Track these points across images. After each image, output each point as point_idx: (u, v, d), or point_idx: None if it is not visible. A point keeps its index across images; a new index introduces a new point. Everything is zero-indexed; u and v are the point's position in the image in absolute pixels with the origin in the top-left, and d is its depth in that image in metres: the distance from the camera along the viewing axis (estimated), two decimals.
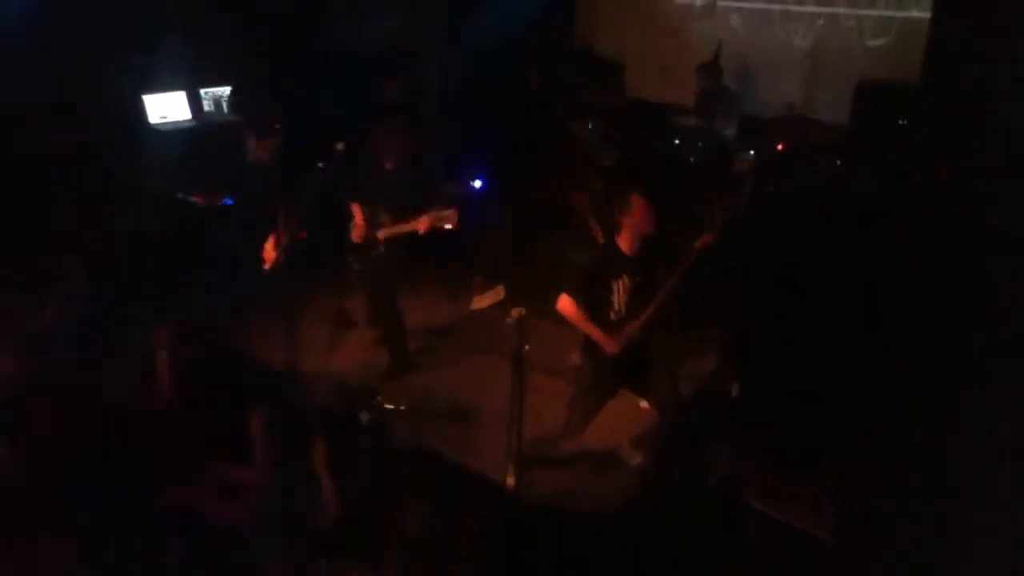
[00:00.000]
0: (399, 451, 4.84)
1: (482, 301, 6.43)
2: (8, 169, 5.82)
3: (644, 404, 4.87)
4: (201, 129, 7.05)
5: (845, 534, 3.53)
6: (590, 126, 8.20)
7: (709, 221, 4.42)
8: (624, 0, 8.83)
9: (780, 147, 7.01)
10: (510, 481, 4.28)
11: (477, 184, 6.58)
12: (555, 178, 8.10)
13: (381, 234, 5.39)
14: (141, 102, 6.81)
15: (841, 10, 7.58)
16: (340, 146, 5.70)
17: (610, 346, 4.29)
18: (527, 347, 4.00)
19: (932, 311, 2.74)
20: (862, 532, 3.22)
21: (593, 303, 4.31)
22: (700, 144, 7.38)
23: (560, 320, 5.97)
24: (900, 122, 6.38)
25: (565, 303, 4.31)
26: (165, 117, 6.96)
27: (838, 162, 6.82)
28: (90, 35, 6.27)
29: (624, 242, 4.28)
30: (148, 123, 6.85)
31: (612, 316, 4.34)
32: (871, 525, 3.18)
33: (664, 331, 4.61)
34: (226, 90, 7.17)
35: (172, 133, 6.91)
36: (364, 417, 5.05)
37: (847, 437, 3.89)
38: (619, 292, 4.31)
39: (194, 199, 5.68)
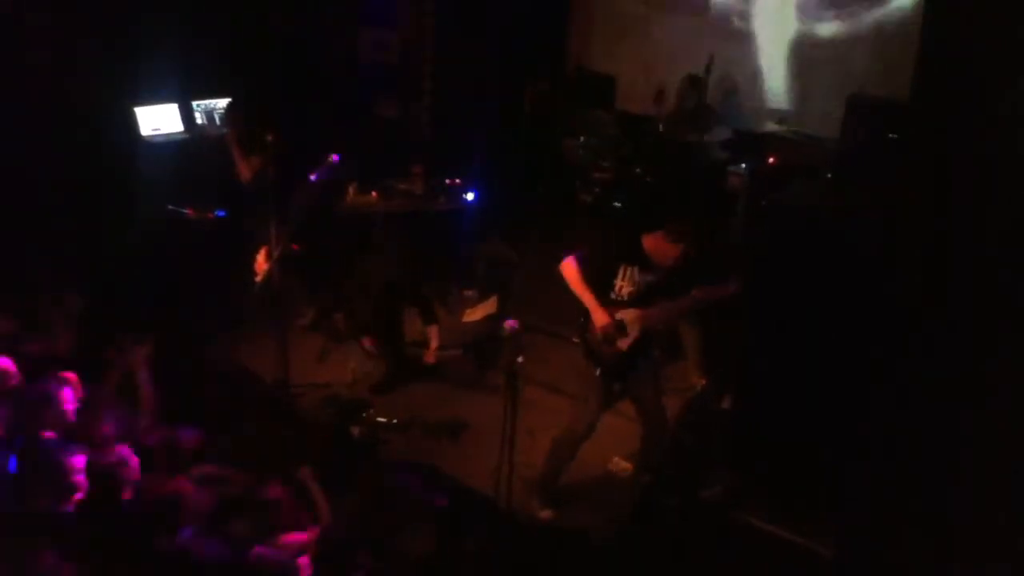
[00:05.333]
0: (391, 464, 4.82)
1: (474, 313, 6.42)
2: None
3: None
4: (193, 142, 7.03)
5: (845, 549, 3.51)
6: (581, 140, 8.24)
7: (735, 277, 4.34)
8: (617, 19, 8.88)
9: (771, 161, 7.04)
10: (504, 495, 4.26)
11: (469, 197, 6.59)
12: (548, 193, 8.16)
13: None
14: (133, 114, 6.79)
15: (831, 25, 7.64)
16: (333, 158, 5.72)
17: (598, 317, 4.27)
18: (520, 359, 3.98)
19: (927, 324, 2.75)
20: (862, 546, 3.21)
21: (595, 277, 4.31)
22: (693, 159, 7.42)
23: (553, 332, 6.03)
24: (890, 136, 6.41)
25: (568, 265, 4.32)
26: (157, 129, 6.94)
27: (828, 176, 6.85)
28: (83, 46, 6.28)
29: (651, 241, 4.27)
30: (140, 135, 6.83)
31: (611, 295, 4.32)
32: (871, 539, 3.17)
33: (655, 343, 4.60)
34: (219, 102, 7.17)
35: (164, 146, 6.89)
36: (356, 430, 5.03)
37: (844, 450, 3.90)
38: (623, 278, 4.29)
39: (186, 212, 5.66)
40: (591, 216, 7.77)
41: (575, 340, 4.54)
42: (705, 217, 6.19)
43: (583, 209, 7.91)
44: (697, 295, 4.29)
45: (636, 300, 4.30)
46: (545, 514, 4.61)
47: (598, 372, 4.38)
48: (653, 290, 4.31)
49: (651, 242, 4.25)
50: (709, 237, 4.58)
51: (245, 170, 5.85)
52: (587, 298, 4.29)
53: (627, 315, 4.29)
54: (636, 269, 4.27)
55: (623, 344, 4.32)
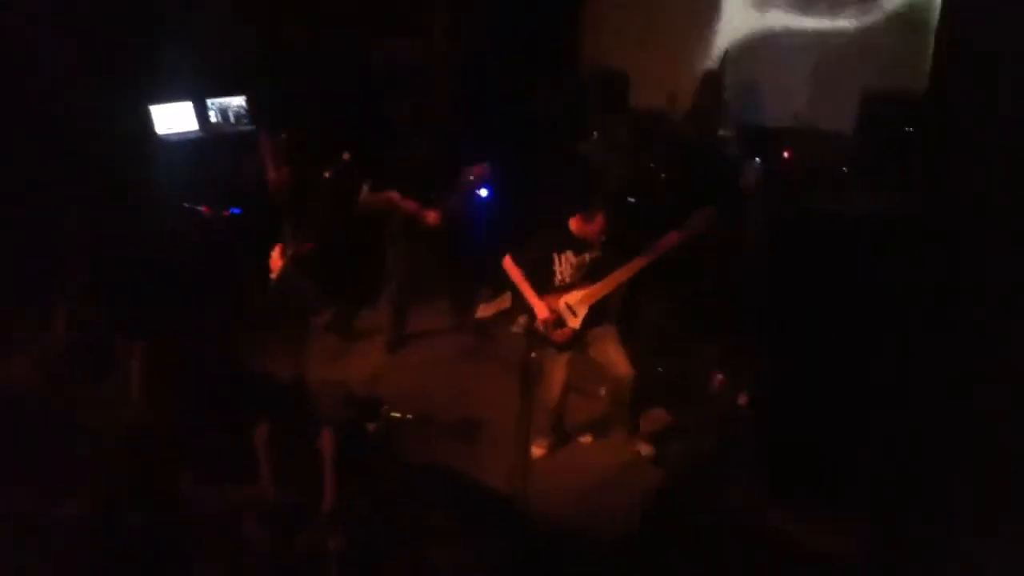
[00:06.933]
0: (406, 461, 4.83)
1: (487, 310, 6.43)
2: (15, 181, 5.83)
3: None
4: (208, 140, 7.05)
5: (875, 552, 3.47)
6: (595, 138, 8.22)
7: (686, 223, 4.56)
8: (631, 15, 8.85)
9: (786, 156, 7.01)
10: (520, 487, 4.26)
11: (483, 193, 6.57)
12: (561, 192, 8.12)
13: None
14: (148, 113, 6.83)
15: (847, 20, 7.59)
16: (346, 156, 5.74)
17: (538, 309, 4.65)
18: (534, 355, 3.99)
19: (952, 320, 2.71)
20: (885, 547, 3.17)
21: (537, 269, 4.71)
22: (706, 155, 7.39)
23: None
24: (906, 131, 6.36)
25: (507, 262, 4.77)
26: (171, 128, 6.97)
27: (844, 171, 6.81)
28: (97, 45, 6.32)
29: (574, 225, 4.64)
30: (155, 134, 6.86)
31: (556, 282, 4.70)
32: (894, 539, 3.12)
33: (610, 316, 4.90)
34: (233, 100, 7.19)
35: (179, 144, 6.92)
36: (371, 427, 5.04)
37: (865, 450, 3.86)
38: (562, 264, 4.67)
39: (201, 210, 5.68)
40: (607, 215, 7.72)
41: None
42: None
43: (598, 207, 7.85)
44: (640, 257, 4.58)
45: (582, 279, 4.66)
46: (538, 450, 4.83)
47: (554, 349, 4.73)
48: (597, 266, 4.66)
49: (575, 225, 4.64)
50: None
51: (273, 175, 5.94)
52: (527, 292, 4.70)
53: (572, 297, 4.66)
54: (570, 253, 4.65)
55: (574, 323, 4.68)
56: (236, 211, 5.63)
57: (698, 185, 7.16)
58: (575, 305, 4.68)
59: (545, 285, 4.70)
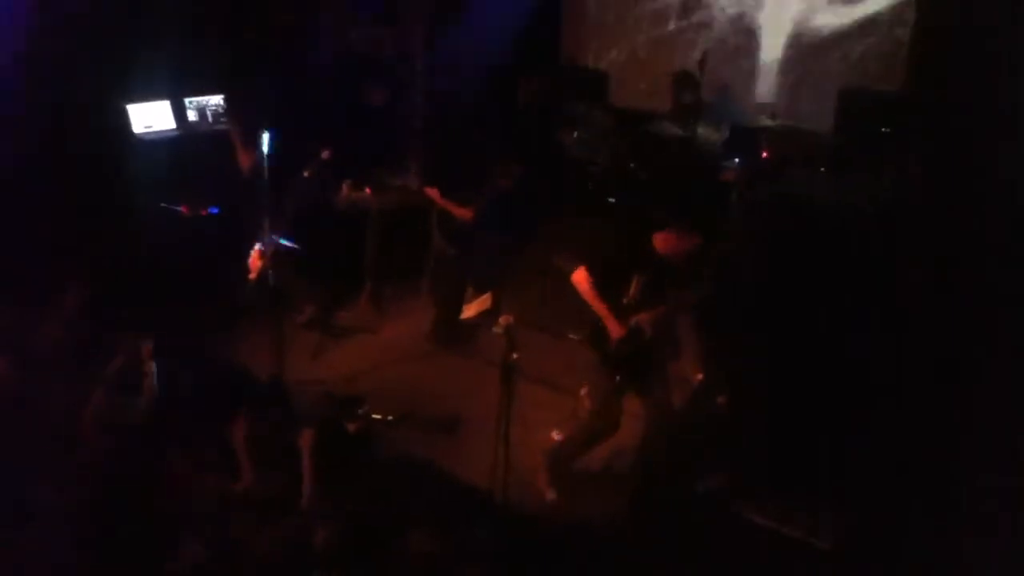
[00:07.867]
0: (385, 461, 4.82)
1: (469, 309, 6.43)
2: None
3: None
4: (186, 139, 7.01)
5: (843, 541, 3.51)
6: (575, 135, 8.23)
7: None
8: (610, 14, 8.88)
9: (764, 155, 7.05)
10: (500, 490, 4.26)
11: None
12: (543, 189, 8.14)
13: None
14: (126, 112, 6.77)
15: (824, 17, 7.65)
16: (325, 154, 5.73)
17: (614, 328, 4.28)
18: (515, 355, 3.98)
19: (927, 315, 2.75)
20: (860, 538, 3.20)
21: (608, 284, 4.30)
22: (687, 154, 7.42)
23: (546, 328, 6.04)
24: (882, 129, 6.43)
25: (580, 276, 4.31)
26: (150, 127, 6.92)
27: (821, 170, 6.87)
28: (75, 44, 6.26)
29: (661, 242, 4.25)
30: (132, 133, 6.81)
31: (624, 300, 4.31)
32: (870, 531, 3.16)
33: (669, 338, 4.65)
34: (211, 99, 7.14)
35: (157, 143, 6.87)
36: (351, 427, 5.03)
37: (842, 444, 3.91)
38: (638, 283, 4.28)
39: (180, 209, 5.64)
40: (586, 211, 7.74)
41: (571, 336, 4.54)
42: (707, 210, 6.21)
43: (581, 204, 7.85)
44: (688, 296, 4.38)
45: (648, 300, 4.29)
46: (550, 495, 4.64)
47: (618, 379, 4.38)
48: (660, 286, 4.29)
49: (662, 241, 4.22)
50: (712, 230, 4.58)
51: (245, 160, 5.89)
52: (602, 310, 4.28)
53: (642, 319, 4.28)
54: (650, 271, 4.25)
55: (644, 348, 4.32)
56: (214, 210, 5.60)
57: (677, 184, 7.20)
58: (645, 327, 4.29)
59: (612, 303, 4.28)
